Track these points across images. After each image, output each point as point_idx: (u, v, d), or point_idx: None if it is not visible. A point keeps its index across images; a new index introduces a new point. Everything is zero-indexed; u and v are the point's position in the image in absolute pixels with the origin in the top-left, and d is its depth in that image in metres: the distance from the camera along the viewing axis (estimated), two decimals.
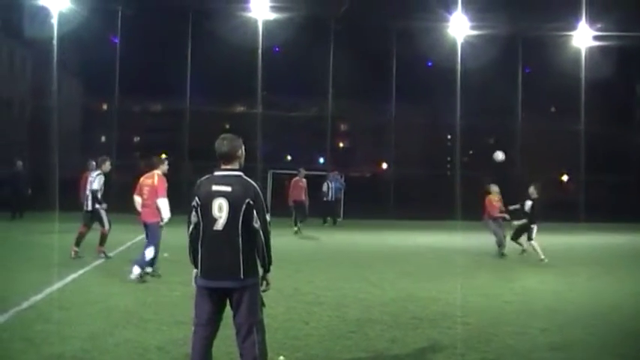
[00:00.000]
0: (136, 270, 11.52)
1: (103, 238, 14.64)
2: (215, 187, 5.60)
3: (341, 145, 47.16)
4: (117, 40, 34.36)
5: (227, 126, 44.70)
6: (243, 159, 5.87)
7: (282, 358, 7.06)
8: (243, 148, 5.90)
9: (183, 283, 11.51)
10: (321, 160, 37.35)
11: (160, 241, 12.04)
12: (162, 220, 11.89)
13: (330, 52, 34.06)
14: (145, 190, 11.94)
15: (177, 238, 12.19)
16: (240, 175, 5.69)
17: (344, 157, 43.53)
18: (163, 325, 8.39)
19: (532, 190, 16.74)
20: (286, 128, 39.04)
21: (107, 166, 14.67)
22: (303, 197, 22.59)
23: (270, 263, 5.74)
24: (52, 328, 8.08)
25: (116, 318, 8.79)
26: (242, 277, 5.49)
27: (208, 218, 5.54)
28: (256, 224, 5.52)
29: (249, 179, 5.66)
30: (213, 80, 35.11)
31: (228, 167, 5.75)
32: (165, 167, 12.16)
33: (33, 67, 40.96)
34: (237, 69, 33.99)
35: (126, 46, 34.29)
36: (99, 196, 14.38)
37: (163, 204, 11.80)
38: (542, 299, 11.15)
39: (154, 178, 11.94)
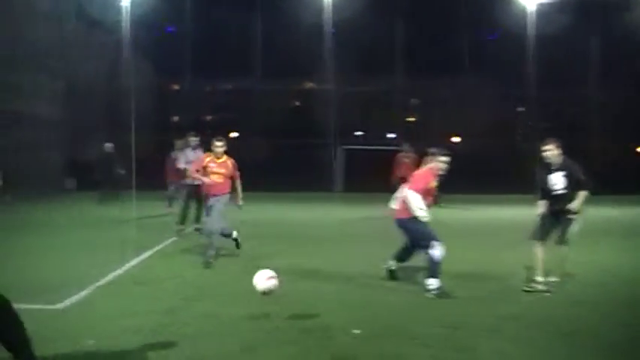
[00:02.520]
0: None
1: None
2: None
3: (411, 119, 46.61)
4: (170, 30, 34.94)
5: (297, 103, 44.86)
6: None
7: (357, 331, 7.04)
8: None
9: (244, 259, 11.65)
10: (392, 135, 37.06)
11: None
12: None
13: (398, 25, 33.73)
14: None
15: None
16: None
17: (415, 131, 43.09)
18: (238, 298, 8.47)
19: None
20: (355, 104, 38.78)
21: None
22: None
23: None
24: (130, 302, 8.29)
25: (191, 292, 8.96)
26: None
27: None
28: None
29: None
30: (283, 57, 35.12)
31: None
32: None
33: (107, 51, 41.86)
34: (306, 45, 33.96)
35: (196, 26, 34.68)
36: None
37: None
38: None
39: None
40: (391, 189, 19.44)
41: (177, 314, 7.76)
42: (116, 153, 23.33)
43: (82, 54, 39.11)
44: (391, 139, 36.26)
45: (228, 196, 11.52)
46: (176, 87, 40.73)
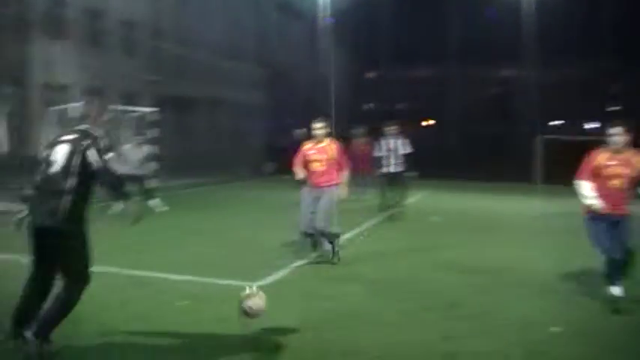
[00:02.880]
0: None
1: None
2: None
3: (614, 108, 44.04)
4: (329, 21, 35.11)
5: (493, 90, 43.81)
6: None
7: (555, 329, 6.62)
8: None
9: (458, 246, 11.45)
10: (594, 125, 35.20)
11: None
12: None
13: (599, 8, 31.94)
14: None
15: None
16: None
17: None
18: (437, 287, 8.33)
19: None
20: (555, 91, 37.20)
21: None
22: None
23: None
24: (328, 283, 8.38)
25: (391, 277, 8.92)
26: None
27: None
28: None
29: None
30: (478, 43, 34.36)
31: None
32: None
33: (306, 40, 43.04)
34: (506, 30, 32.95)
35: (390, 15, 34.76)
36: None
37: None
38: None
39: None
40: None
41: (376, 298, 7.71)
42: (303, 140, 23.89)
43: (282, 43, 40.49)
44: (593, 128, 34.45)
45: (335, 189, 9.75)
46: (371, 75, 41.08)
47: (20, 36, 23.86)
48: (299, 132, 23.63)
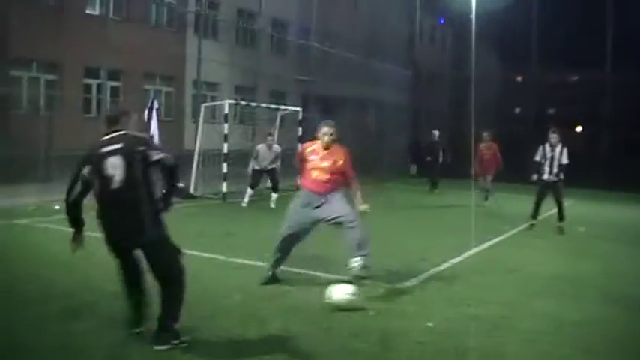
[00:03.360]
0: None
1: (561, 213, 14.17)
2: None
3: None
4: (442, 21, 34.27)
5: None
6: None
7: None
8: None
9: (602, 259, 11.05)
10: None
11: None
12: None
13: None
14: None
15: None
16: None
17: None
18: (579, 301, 8.05)
19: None
20: None
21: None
22: None
23: None
24: (469, 290, 8.26)
25: (532, 288, 8.67)
26: None
27: None
28: None
29: None
30: (634, 47, 32.75)
31: None
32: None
33: (453, 41, 42.66)
34: None
35: (543, 16, 33.81)
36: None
37: None
38: None
39: None
40: None
41: (516, 308, 7.57)
42: (443, 141, 23.57)
43: (427, 44, 40.28)
44: None
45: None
46: (519, 78, 40.12)
47: (176, 36, 25.09)
48: (436, 133, 23.35)
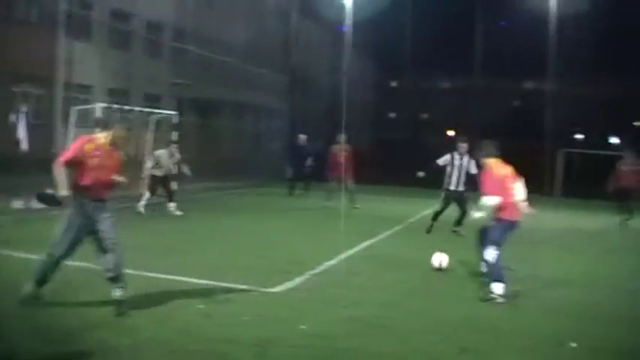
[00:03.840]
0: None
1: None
2: None
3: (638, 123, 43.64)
4: (343, 29, 35.00)
5: (515, 103, 43.56)
6: None
7: (574, 344, 6.53)
8: None
9: (474, 257, 11.37)
10: (616, 139, 34.92)
11: None
12: None
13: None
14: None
15: None
16: None
17: None
18: (454, 299, 8.25)
19: None
20: (579, 106, 36.96)
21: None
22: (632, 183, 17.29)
23: None
24: (344, 292, 8.25)
25: (407, 288, 8.81)
26: None
27: None
28: None
29: None
30: (502, 55, 34.26)
31: None
32: None
33: (328, 47, 43.14)
34: (527, 43, 32.83)
35: (415, 25, 34.76)
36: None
37: None
38: None
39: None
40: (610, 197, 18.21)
41: (391, 309, 7.64)
42: (311, 145, 23.49)
43: (306, 49, 40.54)
44: (616, 144, 34.16)
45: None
46: (394, 83, 41.06)
47: (46, 35, 24.10)
48: (303, 137, 23.30)
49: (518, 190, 8.66)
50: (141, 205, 15.49)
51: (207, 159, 24.60)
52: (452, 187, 13.99)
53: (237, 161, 27.22)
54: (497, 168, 8.55)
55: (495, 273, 8.24)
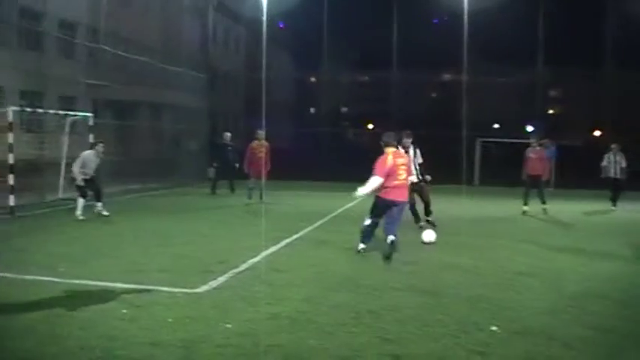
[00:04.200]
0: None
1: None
2: None
3: (551, 111, 45.03)
4: (282, 25, 35.30)
5: (433, 94, 44.37)
6: None
7: (494, 328, 6.78)
8: None
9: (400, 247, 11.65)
10: (530, 127, 35.93)
11: None
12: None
13: (539, 14, 32.68)
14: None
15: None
16: None
17: (555, 124, 41.54)
18: (375, 291, 8.40)
19: None
20: (494, 95, 37.92)
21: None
22: (540, 170, 18.15)
23: None
24: (268, 289, 8.34)
25: (329, 282, 8.91)
26: None
27: None
28: None
29: None
30: (419, 48, 34.82)
31: None
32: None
33: (246, 44, 43.06)
34: (442, 35, 33.51)
35: (333, 20, 34.94)
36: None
37: None
38: None
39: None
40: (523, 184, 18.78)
41: (314, 303, 7.74)
42: (234, 142, 23.29)
43: (221, 46, 40.30)
44: (532, 132, 35.10)
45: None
46: (313, 79, 41.23)
47: None
48: (228, 135, 23.08)
49: (407, 176, 10.92)
50: (79, 214, 15.23)
51: (126, 161, 24.24)
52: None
53: (158, 162, 26.87)
54: (393, 156, 10.54)
55: (364, 236, 10.91)
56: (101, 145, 16.12)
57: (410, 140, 14.23)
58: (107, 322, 6.73)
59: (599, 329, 6.90)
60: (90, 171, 15.54)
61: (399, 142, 13.90)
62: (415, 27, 34.92)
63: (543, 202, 18.15)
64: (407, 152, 13.86)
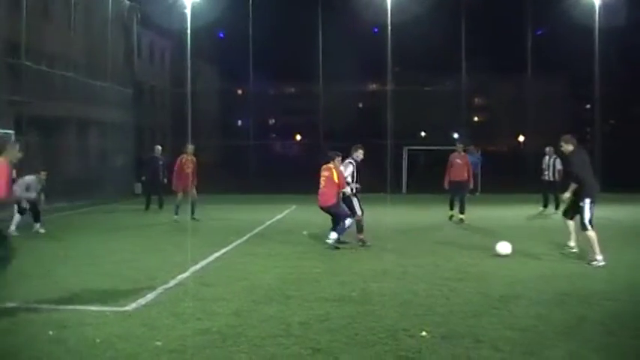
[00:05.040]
0: (333, 235, 13.15)
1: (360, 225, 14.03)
2: None
3: (476, 119, 46.15)
4: (222, 36, 35.32)
5: (360, 105, 44.85)
6: None
7: (424, 333, 6.93)
8: None
9: (323, 260, 11.79)
10: (456, 135, 36.70)
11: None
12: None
13: (461, 24, 33.45)
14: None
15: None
16: None
17: (480, 131, 42.53)
18: (305, 302, 8.46)
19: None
20: (419, 104, 38.60)
21: (359, 154, 14.27)
22: (465, 176, 18.51)
23: None
24: (198, 304, 8.31)
25: (259, 294, 8.93)
26: None
27: None
28: None
29: None
30: (344, 59, 35.21)
31: None
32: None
33: (171, 57, 42.73)
34: (367, 46, 33.98)
35: (258, 31, 35.03)
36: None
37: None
38: None
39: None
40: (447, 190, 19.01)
41: (243, 316, 7.76)
42: (163, 157, 22.98)
43: (147, 60, 39.88)
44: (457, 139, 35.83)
45: None
46: (240, 91, 41.20)
47: None
48: (159, 148, 22.79)
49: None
50: (13, 230, 15.03)
51: (52, 179, 23.72)
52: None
53: (84, 180, 26.41)
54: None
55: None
56: (44, 173, 16.50)
57: (362, 152, 14.25)
58: (34, 346, 6.59)
59: (526, 330, 7.12)
60: (32, 195, 15.68)
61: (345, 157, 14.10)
62: (341, 38, 35.25)
63: (461, 212, 18.36)
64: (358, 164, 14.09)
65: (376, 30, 33.57)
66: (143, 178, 22.53)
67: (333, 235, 13.05)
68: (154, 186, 22.30)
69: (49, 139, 28.17)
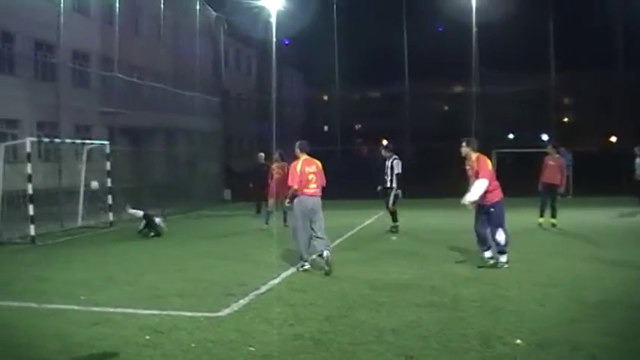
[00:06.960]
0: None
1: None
2: None
3: (565, 119, 44.89)
4: (287, 42, 35.44)
5: (445, 107, 44.35)
6: None
7: (519, 341, 6.77)
8: None
9: (411, 265, 11.68)
10: (545, 136, 35.82)
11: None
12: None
13: (549, 21, 32.67)
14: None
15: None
16: None
17: (569, 131, 41.30)
18: (396, 308, 8.40)
19: None
20: (506, 105, 37.82)
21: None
22: (559, 179, 17.68)
23: None
24: (289, 310, 8.37)
25: (350, 300, 8.91)
26: None
27: None
28: None
29: None
30: (430, 61, 34.88)
31: None
32: None
33: (257, 65, 43.33)
34: (452, 47, 33.57)
35: (343, 37, 35.14)
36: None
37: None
38: None
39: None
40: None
41: (335, 322, 7.75)
42: (267, 163, 23.21)
43: (234, 69, 40.51)
44: (547, 140, 34.95)
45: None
46: (325, 97, 41.39)
47: None
48: (261, 155, 23.02)
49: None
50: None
51: (142, 186, 24.37)
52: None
53: (173, 187, 26.98)
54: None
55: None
56: None
57: (385, 150, 16.94)
58: (131, 350, 6.76)
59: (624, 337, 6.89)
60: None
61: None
62: (424, 40, 35.03)
63: (553, 216, 17.82)
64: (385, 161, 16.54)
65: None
66: (251, 185, 22.73)
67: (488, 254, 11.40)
68: (260, 192, 22.52)
69: (139, 148, 28.96)
